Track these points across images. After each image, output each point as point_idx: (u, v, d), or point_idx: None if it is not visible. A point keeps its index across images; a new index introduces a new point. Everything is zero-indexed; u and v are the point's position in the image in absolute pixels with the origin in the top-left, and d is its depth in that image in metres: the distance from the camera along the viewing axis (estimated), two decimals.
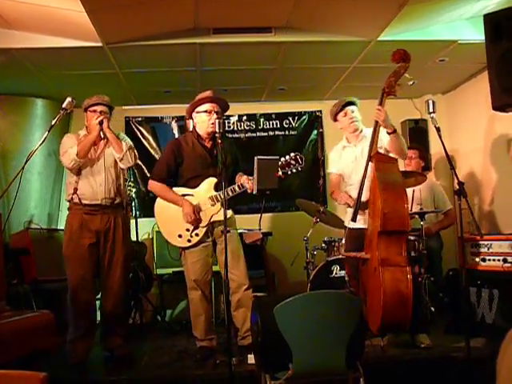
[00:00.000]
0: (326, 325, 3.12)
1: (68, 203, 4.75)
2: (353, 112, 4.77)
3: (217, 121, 4.30)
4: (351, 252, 4.65)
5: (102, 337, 4.82)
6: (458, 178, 4.03)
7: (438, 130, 4.17)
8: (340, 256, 5.67)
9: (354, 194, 4.56)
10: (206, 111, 4.61)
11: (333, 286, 5.42)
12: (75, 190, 4.64)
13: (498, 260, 4.70)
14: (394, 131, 4.40)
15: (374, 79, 6.55)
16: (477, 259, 4.90)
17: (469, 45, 5.45)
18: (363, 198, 4.48)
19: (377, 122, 4.39)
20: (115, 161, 4.76)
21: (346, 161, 4.80)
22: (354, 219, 4.48)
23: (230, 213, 4.49)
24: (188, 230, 4.56)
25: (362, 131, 4.79)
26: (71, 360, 4.48)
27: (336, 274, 5.58)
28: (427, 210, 5.87)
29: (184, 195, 4.61)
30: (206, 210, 4.57)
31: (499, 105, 4.63)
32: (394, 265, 4.12)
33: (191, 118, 4.79)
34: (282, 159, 4.50)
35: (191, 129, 7.25)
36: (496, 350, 1.72)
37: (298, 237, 6.08)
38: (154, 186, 4.71)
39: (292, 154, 4.52)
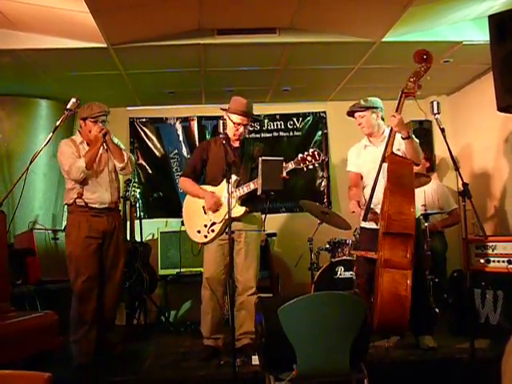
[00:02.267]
0: (330, 326, 3.12)
1: (69, 206, 4.76)
2: (362, 117, 4.74)
3: (220, 121, 4.35)
4: (362, 251, 4.65)
5: (99, 336, 4.85)
6: (462, 179, 4.02)
7: (442, 130, 4.16)
8: (344, 257, 5.67)
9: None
10: (234, 122, 4.68)
11: (337, 287, 5.42)
12: (80, 194, 4.66)
13: (503, 261, 4.68)
14: (409, 137, 4.37)
15: (378, 80, 6.56)
16: (481, 260, 4.88)
17: (473, 46, 5.44)
18: (376, 199, 4.48)
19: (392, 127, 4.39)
20: (114, 165, 4.85)
21: (365, 160, 4.78)
22: (364, 219, 4.48)
23: (243, 209, 4.60)
24: (206, 225, 4.69)
25: (383, 132, 4.74)
26: (78, 360, 4.48)
27: (340, 275, 5.58)
28: (432, 211, 5.88)
29: None
30: (222, 207, 4.64)
31: (504, 106, 4.62)
32: (396, 267, 4.11)
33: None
34: (300, 155, 4.53)
35: (196, 131, 7.40)
36: (500, 351, 1.72)
37: (303, 238, 6.08)
38: (181, 181, 4.97)
39: (310, 150, 4.55)
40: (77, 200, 4.66)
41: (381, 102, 4.78)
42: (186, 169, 5.15)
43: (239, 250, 4.65)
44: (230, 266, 4.01)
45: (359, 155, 4.88)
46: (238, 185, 4.64)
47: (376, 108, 4.74)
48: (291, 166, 4.49)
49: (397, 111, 4.37)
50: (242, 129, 4.69)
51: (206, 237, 4.68)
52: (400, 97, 4.40)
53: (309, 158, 4.51)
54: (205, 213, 4.72)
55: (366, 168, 4.75)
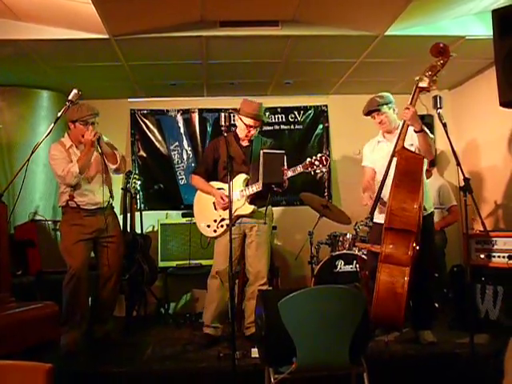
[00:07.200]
0: (329, 319, 3.12)
1: (62, 208, 4.89)
2: (383, 115, 4.63)
3: (222, 114, 4.35)
4: (369, 244, 4.65)
5: (92, 325, 4.96)
6: (463, 174, 4.00)
7: (444, 125, 4.14)
8: (344, 251, 5.67)
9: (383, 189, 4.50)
10: (246, 124, 4.79)
11: (337, 280, 5.43)
12: (71, 197, 4.79)
13: (503, 257, 4.69)
14: (421, 130, 4.30)
15: (380, 74, 6.55)
16: (481, 256, 4.88)
17: (476, 40, 5.42)
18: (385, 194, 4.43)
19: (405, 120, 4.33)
20: (106, 166, 4.94)
21: (378, 155, 4.73)
22: (371, 213, 4.45)
23: (252, 208, 4.76)
24: (215, 220, 4.82)
25: (398, 127, 4.60)
26: (66, 348, 4.54)
27: (340, 268, 5.58)
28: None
29: (217, 189, 4.85)
30: (233, 204, 4.67)
31: (506, 101, 4.60)
32: (395, 263, 4.09)
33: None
34: (308, 159, 4.65)
35: (197, 124, 7.39)
36: (500, 346, 1.72)
37: (303, 231, 6.09)
38: (193, 178, 5.05)
39: (318, 155, 4.67)
40: (69, 202, 4.80)
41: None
42: (197, 166, 5.43)
43: (250, 242, 4.79)
44: (229, 261, 4.06)
45: (373, 151, 4.84)
46: (248, 183, 4.77)
47: (392, 102, 4.69)
48: (299, 169, 4.65)
49: (410, 104, 4.30)
50: (253, 131, 4.81)
51: (215, 231, 4.83)
52: (414, 91, 4.30)
53: (316, 163, 4.63)
54: (215, 208, 4.84)
55: (379, 164, 4.66)
